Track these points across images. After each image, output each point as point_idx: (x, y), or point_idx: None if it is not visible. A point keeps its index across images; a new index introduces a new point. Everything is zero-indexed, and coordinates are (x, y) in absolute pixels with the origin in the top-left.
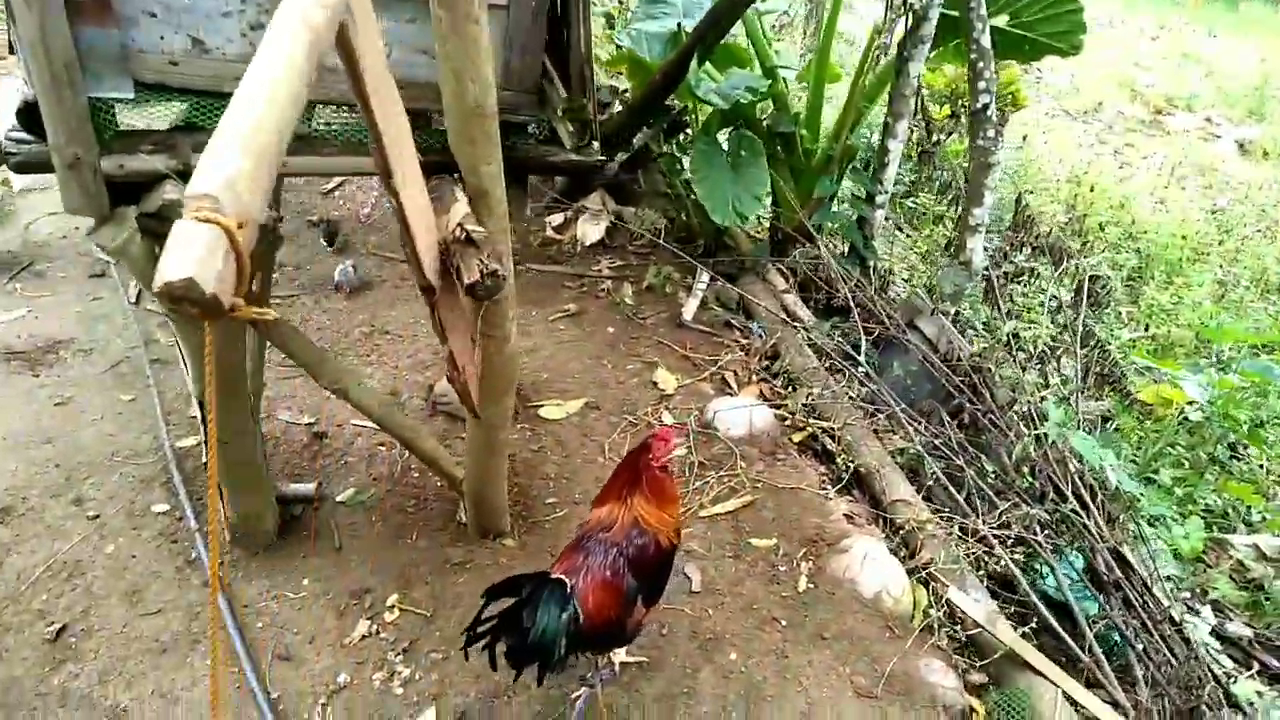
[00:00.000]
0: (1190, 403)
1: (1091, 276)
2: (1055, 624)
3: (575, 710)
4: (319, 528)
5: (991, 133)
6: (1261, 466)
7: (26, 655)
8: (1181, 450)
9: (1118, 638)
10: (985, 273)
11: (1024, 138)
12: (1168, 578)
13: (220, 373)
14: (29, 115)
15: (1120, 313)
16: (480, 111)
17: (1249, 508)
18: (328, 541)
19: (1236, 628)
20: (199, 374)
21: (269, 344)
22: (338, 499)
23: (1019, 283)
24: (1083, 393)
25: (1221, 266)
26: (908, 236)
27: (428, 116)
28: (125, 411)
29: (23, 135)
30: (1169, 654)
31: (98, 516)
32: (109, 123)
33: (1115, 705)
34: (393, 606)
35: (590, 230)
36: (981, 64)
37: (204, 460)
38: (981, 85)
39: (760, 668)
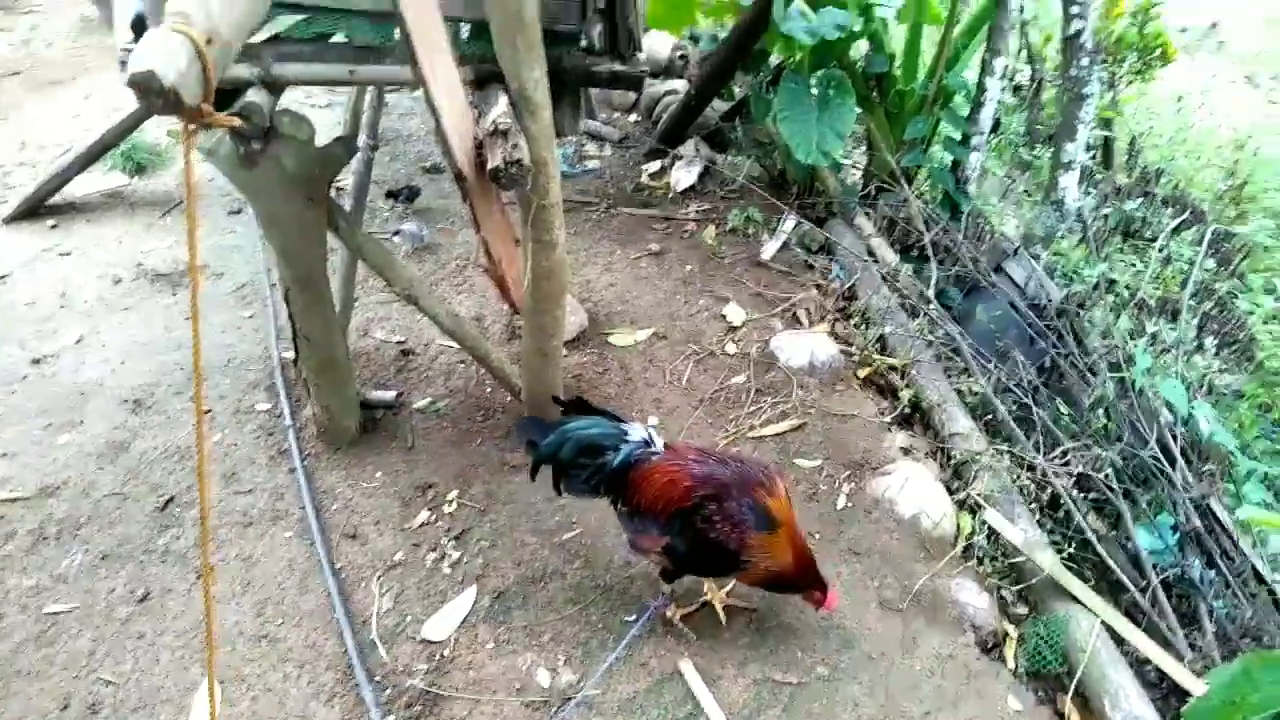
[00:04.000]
0: None
1: (1222, 233)
2: (1107, 558)
3: (639, 623)
4: (396, 430)
5: (1086, 61)
6: None
7: (139, 520)
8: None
9: (1189, 588)
10: (1080, 215)
11: (1178, 99)
12: (1274, 556)
13: (302, 268)
14: (140, 27)
15: (1276, 284)
16: (520, 18)
17: None
18: (402, 442)
19: None
20: (282, 270)
21: (358, 258)
22: (415, 406)
23: (1129, 233)
24: (1195, 352)
25: None
26: (1009, 180)
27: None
28: (243, 326)
29: (134, 46)
30: (1246, 606)
31: (209, 411)
32: None
33: (1167, 646)
34: (452, 500)
35: (683, 176)
36: None
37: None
38: (1074, 10)
39: None
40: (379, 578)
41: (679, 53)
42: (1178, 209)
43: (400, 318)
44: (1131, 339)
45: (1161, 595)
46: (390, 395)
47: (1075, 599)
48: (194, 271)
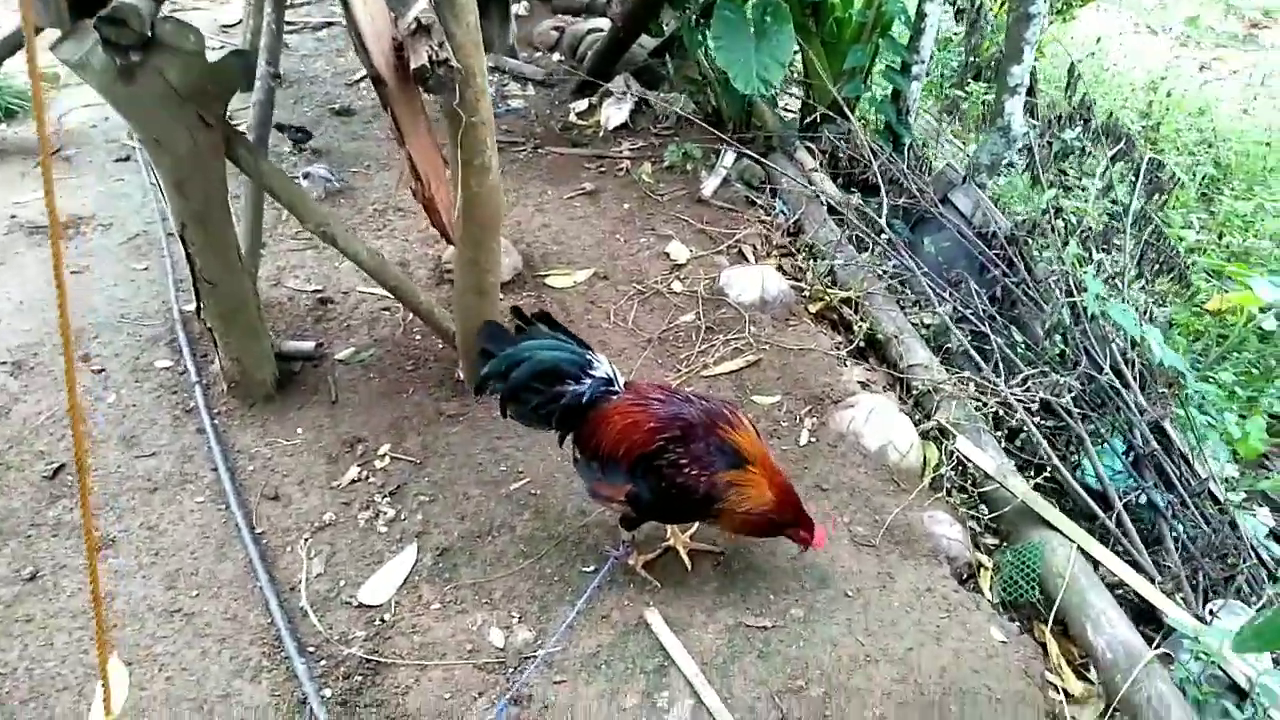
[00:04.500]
0: (1263, 310)
1: (1154, 162)
2: (1072, 482)
3: (600, 574)
4: (317, 383)
5: None
6: None
7: (25, 490)
8: (1249, 356)
9: (1150, 511)
10: (1026, 141)
11: (1097, 40)
12: (1226, 480)
13: (198, 201)
14: None
15: (1192, 220)
16: None
17: None
18: (325, 395)
19: None
20: (176, 205)
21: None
22: (337, 357)
23: (1067, 161)
24: (1136, 280)
25: None
26: (948, 116)
27: None
28: (138, 279)
29: None
30: (1205, 526)
31: (102, 370)
32: None
33: (1137, 568)
34: (384, 455)
35: (614, 114)
36: None
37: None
38: None
39: None
40: (306, 540)
41: None
42: (1112, 140)
43: (316, 265)
44: (1080, 266)
45: (1126, 519)
46: (309, 345)
47: (1049, 525)
48: (49, 187)
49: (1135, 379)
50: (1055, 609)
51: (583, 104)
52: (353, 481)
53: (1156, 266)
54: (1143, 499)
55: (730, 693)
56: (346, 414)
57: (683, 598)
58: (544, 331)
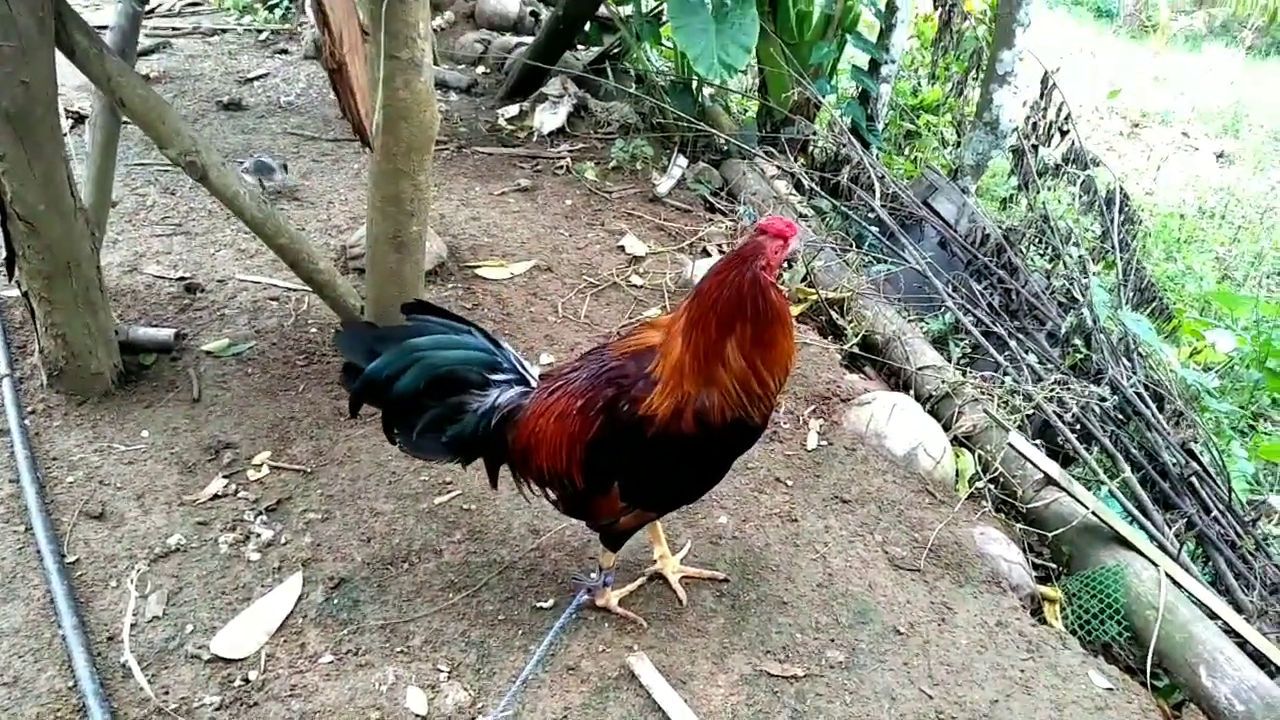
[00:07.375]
0: (1207, 368)
1: (1122, 192)
2: (1143, 493)
3: (567, 611)
4: (174, 378)
5: None
6: None
7: None
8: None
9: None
10: (1016, 139)
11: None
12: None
13: (11, 98)
14: None
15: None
16: None
17: None
18: (185, 393)
19: None
20: None
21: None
22: (204, 348)
23: (1042, 178)
24: (1125, 302)
25: (1222, 245)
26: (916, 127)
27: None
28: None
29: None
30: (1264, 558)
31: None
32: None
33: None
34: (261, 464)
35: (548, 119)
36: None
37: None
38: None
39: (760, 533)
40: (139, 572)
41: (529, 9)
42: (1079, 165)
43: (184, 251)
44: (1084, 274)
45: (1183, 553)
46: (166, 334)
47: (1125, 545)
48: None
49: (1150, 396)
50: (1152, 649)
51: (513, 109)
52: (215, 496)
53: (1137, 296)
54: (1186, 523)
55: None
56: (212, 415)
57: (679, 640)
58: (431, 323)
